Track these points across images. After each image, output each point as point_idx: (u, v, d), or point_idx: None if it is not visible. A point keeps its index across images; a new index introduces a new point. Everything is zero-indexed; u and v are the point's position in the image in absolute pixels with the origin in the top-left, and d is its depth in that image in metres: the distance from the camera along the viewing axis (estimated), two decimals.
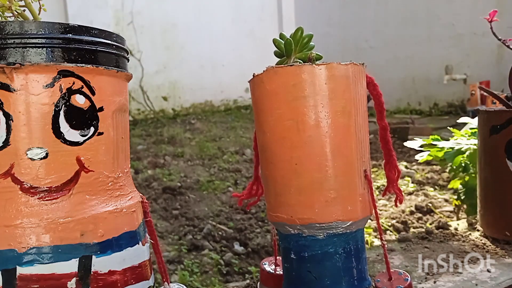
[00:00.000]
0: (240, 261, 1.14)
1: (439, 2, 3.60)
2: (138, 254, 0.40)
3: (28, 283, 0.34)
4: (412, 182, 1.67)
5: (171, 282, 0.47)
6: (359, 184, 0.47)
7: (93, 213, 0.37)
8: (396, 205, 0.58)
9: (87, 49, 0.37)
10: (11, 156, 0.35)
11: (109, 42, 0.39)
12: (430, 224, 1.19)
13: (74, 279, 0.35)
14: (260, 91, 0.48)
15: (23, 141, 0.35)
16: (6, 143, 0.34)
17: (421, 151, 1.15)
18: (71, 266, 0.35)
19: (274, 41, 0.49)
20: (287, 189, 0.47)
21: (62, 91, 0.35)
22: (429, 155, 1.12)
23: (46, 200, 0.35)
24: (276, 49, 0.50)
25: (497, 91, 0.70)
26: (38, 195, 0.35)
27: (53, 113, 0.35)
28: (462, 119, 1.23)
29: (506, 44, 0.62)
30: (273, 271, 0.58)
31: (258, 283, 0.60)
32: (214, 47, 4.01)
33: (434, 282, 0.67)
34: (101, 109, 0.38)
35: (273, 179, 0.49)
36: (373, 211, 0.50)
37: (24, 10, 0.40)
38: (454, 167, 1.06)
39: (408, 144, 1.21)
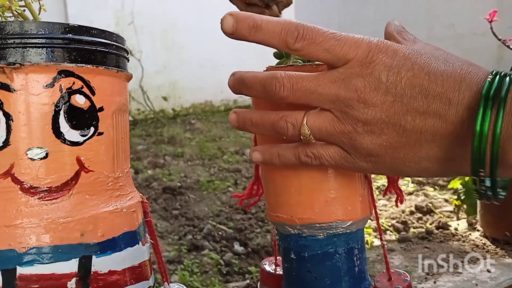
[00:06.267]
0: (240, 261, 1.14)
1: (439, 2, 3.60)
2: (138, 254, 0.40)
3: (28, 283, 0.34)
4: (412, 182, 1.67)
5: (171, 282, 0.47)
6: (359, 184, 0.47)
7: (93, 213, 0.37)
8: (397, 205, 0.58)
9: (87, 49, 0.37)
10: (11, 156, 0.34)
11: (109, 42, 0.39)
12: (430, 224, 1.19)
13: (74, 279, 0.35)
14: None
15: (23, 141, 0.35)
16: (6, 143, 0.34)
17: None
18: (71, 266, 0.35)
19: None
20: (287, 189, 0.47)
21: (62, 91, 0.35)
22: None
23: (46, 200, 0.35)
24: (275, 50, 0.49)
25: None
26: (38, 195, 0.35)
27: (53, 113, 0.35)
28: None
29: (506, 44, 0.62)
30: (273, 271, 0.58)
31: (258, 283, 0.60)
32: (214, 47, 4.00)
33: (434, 282, 0.67)
34: (101, 109, 0.38)
35: (273, 179, 0.49)
36: (373, 211, 0.50)
37: (24, 10, 0.40)
38: None
39: None
